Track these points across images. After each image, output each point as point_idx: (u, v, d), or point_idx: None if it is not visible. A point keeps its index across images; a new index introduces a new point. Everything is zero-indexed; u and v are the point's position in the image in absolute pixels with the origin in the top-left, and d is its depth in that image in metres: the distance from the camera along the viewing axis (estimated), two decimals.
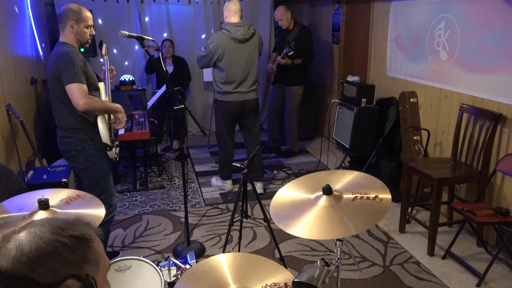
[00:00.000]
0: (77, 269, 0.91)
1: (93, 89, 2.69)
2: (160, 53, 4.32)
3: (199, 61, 4.10)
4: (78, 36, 2.64)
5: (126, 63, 6.15)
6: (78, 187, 3.25)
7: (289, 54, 4.92)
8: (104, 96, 2.83)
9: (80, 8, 2.63)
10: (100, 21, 5.85)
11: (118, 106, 2.76)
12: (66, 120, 2.65)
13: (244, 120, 4.21)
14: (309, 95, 5.97)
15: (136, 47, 6.11)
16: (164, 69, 5.05)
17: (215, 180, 4.58)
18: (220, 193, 4.40)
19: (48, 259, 0.88)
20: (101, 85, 2.85)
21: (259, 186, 4.35)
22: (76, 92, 2.49)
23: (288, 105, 5.35)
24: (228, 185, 4.44)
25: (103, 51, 3.00)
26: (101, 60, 5.76)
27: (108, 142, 2.70)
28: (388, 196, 1.76)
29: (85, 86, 2.53)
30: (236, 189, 4.43)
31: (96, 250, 0.96)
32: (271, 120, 5.58)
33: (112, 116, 2.81)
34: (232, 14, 3.98)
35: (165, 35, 6.10)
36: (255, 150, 2.70)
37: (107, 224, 2.88)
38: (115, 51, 6.08)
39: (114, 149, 2.77)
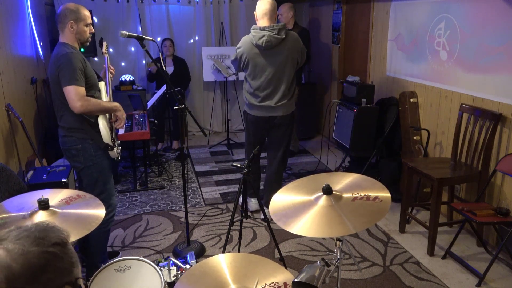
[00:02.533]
0: (69, 275, 0.91)
1: (94, 90, 2.69)
2: (160, 53, 4.31)
3: (232, 63, 3.77)
4: (78, 36, 2.63)
5: (123, 63, 6.14)
6: (79, 187, 3.25)
7: None
8: (104, 96, 2.83)
9: (77, 7, 2.63)
10: (100, 21, 5.84)
11: (115, 104, 2.76)
12: (67, 120, 2.65)
13: (271, 134, 3.73)
14: (309, 95, 5.98)
15: (133, 48, 6.11)
16: (165, 69, 5.04)
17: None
18: (220, 193, 4.40)
19: (43, 273, 0.87)
20: (102, 84, 2.85)
21: (266, 211, 3.54)
22: (73, 94, 2.50)
23: None
24: (252, 203, 3.90)
25: (104, 49, 2.99)
26: (96, 59, 5.76)
27: (110, 142, 2.71)
28: (388, 197, 1.76)
29: (82, 89, 2.53)
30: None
31: (73, 250, 0.96)
32: None
33: (112, 115, 2.82)
34: (260, 16, 3.42)
35: (165, 35, 6.09)
36: (255, 150, 2.69)
37: (106, 223, 2.87)
38: (111, 50, 6.06)
39: (115, 148, 2.77)
